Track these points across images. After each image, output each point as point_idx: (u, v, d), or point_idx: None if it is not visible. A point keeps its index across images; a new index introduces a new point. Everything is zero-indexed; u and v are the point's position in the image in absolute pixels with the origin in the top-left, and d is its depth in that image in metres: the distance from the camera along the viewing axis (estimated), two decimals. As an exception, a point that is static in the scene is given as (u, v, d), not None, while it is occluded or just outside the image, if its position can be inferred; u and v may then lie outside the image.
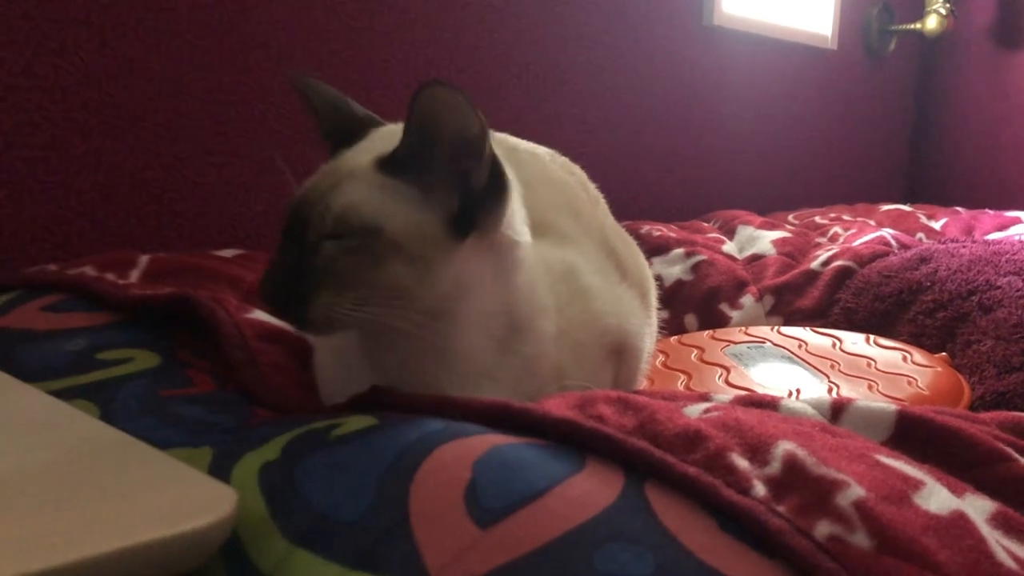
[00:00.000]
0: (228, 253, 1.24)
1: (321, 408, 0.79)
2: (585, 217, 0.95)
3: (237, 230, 1.44)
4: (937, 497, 0.62)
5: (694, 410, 0.73)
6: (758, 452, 0.61)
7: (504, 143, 0.98)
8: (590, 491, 0.55)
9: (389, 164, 0.72)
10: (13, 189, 1.22)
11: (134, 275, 1.04)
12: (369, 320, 0.70)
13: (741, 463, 0.59)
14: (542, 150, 1.04)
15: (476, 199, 0.72)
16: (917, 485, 0.63)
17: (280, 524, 0.56)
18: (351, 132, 0.79)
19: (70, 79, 1.25)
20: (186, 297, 0.90)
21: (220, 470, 0.62)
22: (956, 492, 0.65)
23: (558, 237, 0.89)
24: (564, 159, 1.07)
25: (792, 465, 0.59)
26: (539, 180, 0.94)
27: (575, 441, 0.62)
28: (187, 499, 0.53)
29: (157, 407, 0.75)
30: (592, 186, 1.08)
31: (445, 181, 0.72)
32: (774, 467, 0.59)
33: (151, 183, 1.34)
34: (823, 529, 0.55)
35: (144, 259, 1.07)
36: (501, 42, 1.79)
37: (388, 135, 0.78)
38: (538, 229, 0.86)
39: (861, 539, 0.54)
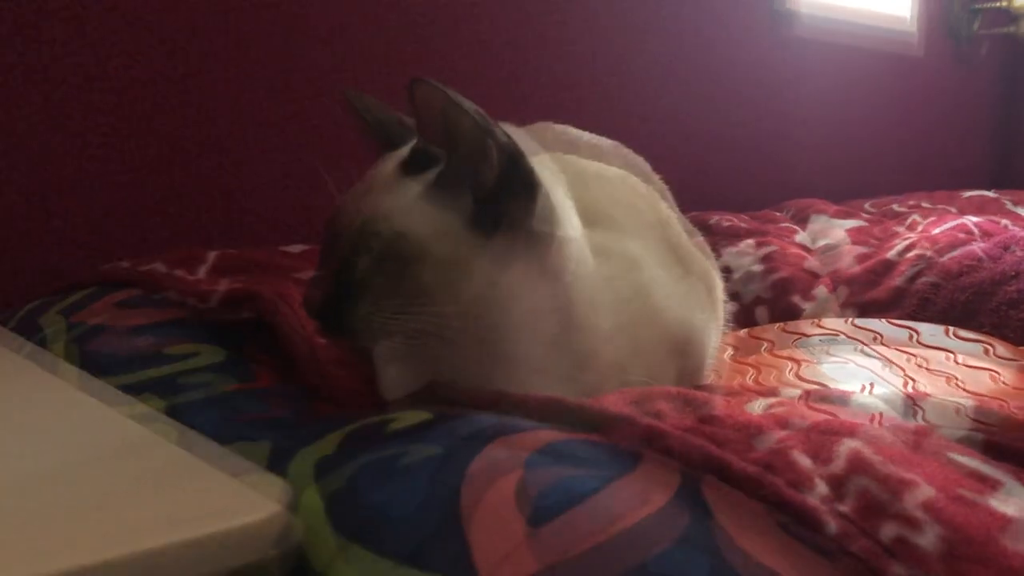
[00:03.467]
0: (295, 249, 1.26)
1: (380, 402, 0.79)
2: (647, 210, 0.94)
3: (304, 226, 1.46)
4: (1017, 498, 0.59)
5: (758, 406, 0.71)
6: (822, 450, 0.59)
7: (563, 136, 0.97)
8: (644, 490, 0.54)
9: (410, 166, 0.72)
10: (91, 188, 1.25)
11: (202, 271, 1.06)
12: (410, 327, 0.70)
13: (803, 461, 0.57)
14: (606, 142, 1.03)
15: (490, 196, 0.71)
16: (994, 485, 0.60)
17: (334, 519, 0.56)
18: (403, 142, 0.79)
19: (142, 81, 1.28)
20: (251, 293, 0.92)
21: (278, 464, 0.63)
22: (1038, 492, 0.62)
23: (618, 231, 0.88)
24: (627, 151, 1.05)
25: (857, 464, 0.57)
26: (599, 174, 0.93)
27: (631, 438, 0.60)
28: (241, 495, 0.54)
29: (220, 401, 0.77)
30: (656, 178, 1.06)
31: (462, 179, 0.71)
32: (838, 465, 0.57)
33: (219, 180, 1.37)
34: (889, 531, 0.53)
35: (212, 255, 1.09)
36: (565, 35, 1.78)
37: None
38: (598, 223, 0.85)
39: (930, 541, 0.52)
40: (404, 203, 0.71)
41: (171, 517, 0.50)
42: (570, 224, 0.78)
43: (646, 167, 1.05)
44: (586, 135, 1.01)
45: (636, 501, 0.53)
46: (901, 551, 0.52)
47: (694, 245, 1.00)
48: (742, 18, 2.12)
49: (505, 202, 0.72)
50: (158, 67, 1.29)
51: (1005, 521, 0.56)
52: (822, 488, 0.55)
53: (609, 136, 1.06)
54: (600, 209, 0.87)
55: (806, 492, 0.55)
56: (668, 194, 1.06)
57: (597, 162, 0.98)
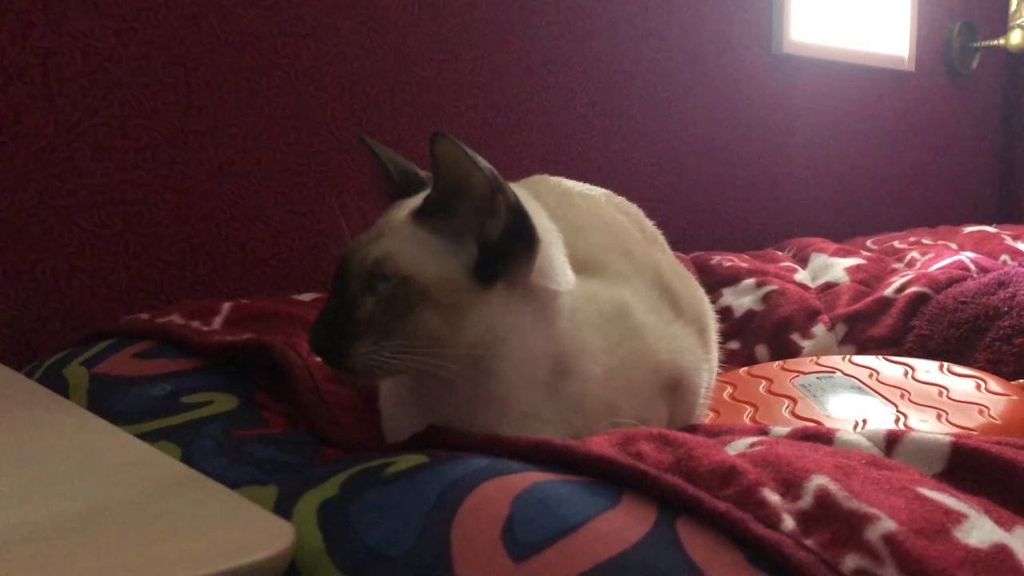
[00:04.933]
0: (307, 297, 1.31)
1: (384, 446, 0.83)
2: (638, 256, 0.98)
3: (317, 274, 1.52)
4: (979, 530, 0.62)
5: (739, 445, 0.75)
6: (791, 487, 0.63)
7: (557, 188, 1.02)
8: (622, 526, 0.58)
9: (421, 215, 0.77)
10: (110, 242, 1.31)
11: (217, 322, 1.10)
12: (409, 368, 0.74)
13: (772, 498, 0.61)
14: (597, 191, 1.07)
15: (494, 249, 0.76)
16: (959, 518, 0.63)
17: (335, 558, 0.60)
18: (415, 191, 0.84)
19: (160, 139, 1.35)
20: (262, 343, 0.97)
21: (284, 507, 0.67)
22: (1004, 525, 0.65)
23: (610, 277, 0.92)
24: (620, 199, 1.10)
25: (823, 499, 0.61)
26: (592, 222, 0.97)
27: (613, 477, 0.64)
28: (248, 535, 0.58)
29: (232, 447, 0.81)
30: (649, 224, 1.10)
31: (468, 231, 0.76)
32: (806, 501, 0.61)
33: (235, 233, 1.43)
34: (851, 563, 0.56)
35: (226, 306, 1.14)
36: (567, 80, 1.84)
37: None
38: (590, 270, 0.90)
39: (890, 573, 0.56)
40: (412, 249, 0.75)
41: (184, 556, 0.54)
42: (565, 278, 0.82)
43: (638, 214, 1.09)
44: (579, 186, 1.06)
45: (614, 536, 0.57)
46: (863, 582, 0.55)
47: (685, 288, 1.04)
48: (741, 62, 2.17)
49: (507, 255, 0.76)
50: (173, 126, 1.36)
51: (966, 552, 0.59)
52: (789, 523, 0.59)
53: (615, 181, 1.11)
54: (592, 256, 0.91)
55: (773, 527, 0.58)
56: (660, 239, 1.10)
57: (590, 208, 1.03)
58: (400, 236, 0.76)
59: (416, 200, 0.80)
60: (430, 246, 0.75)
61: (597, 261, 0.92)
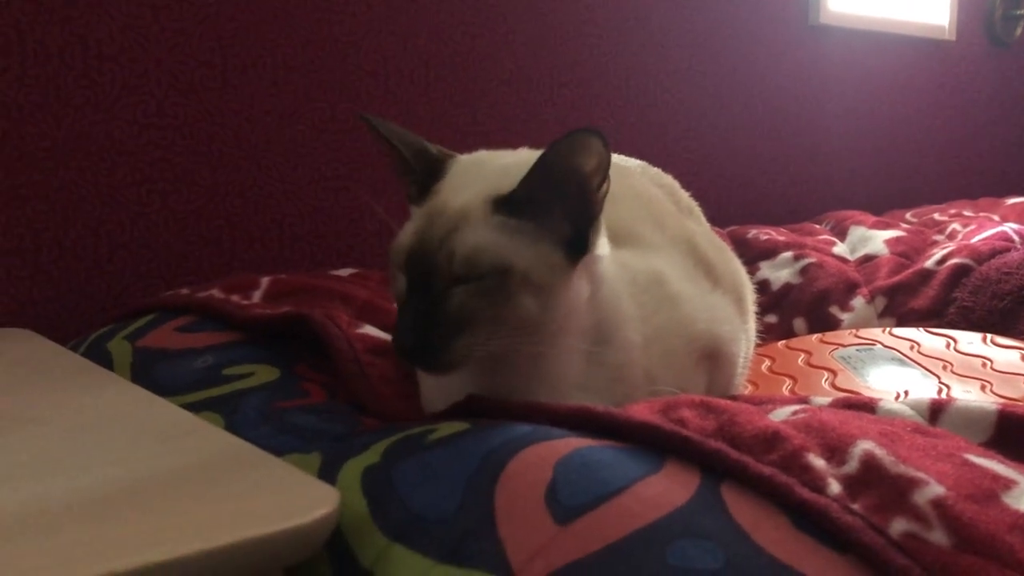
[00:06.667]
0: (344, 272, 1.32)
1: (423, 415, 0.84)
2: (672, 227, 0.97)
3: (353, 250, 1.52)
4: (1029, 496, 0.62)
5: (782, 413, 0.74)
6: (836, 452, 0.62)
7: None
8: (665, 490, 0.58)
9: (506, 204, 0.75)
10: (150, 220, 1.32)
11: (256, 296, 1.11)
12: (497, 351, 0.74)
13: (818, 463, 0.61)
14: (632, 163, 1.07)
15: (582, 229, 0.76)
16: (1008, 484, 0.62)
17: (379, 522, 0.61)
18: (431, 169, 0.82)
19: (197, 116, 1.36)
20: (302, 315, 0.97)
21: (328, 473, 0.68)
22: (1053, 492, 0.64)
23: (644, 248, 0.91)
24: (655, 171, 1.09)
25: (870, 464, 0.60)
26: (626, 193, 0.96)
27: (656, 443, 0.64)
28: (295, 499, 0.59)
29: (274, 417, 0.82)
30: (684, 195, 1.09)
31: (562, 211, 0.75)
32: (851, 466, 0.61)
33: (272, 209, 1.44)
34: (898, 526, 0.55)
35: (265, 280, 1.15)
36: (601, 55, 1.82)
37: (474, 168, 0.81)
38: (624, 240, 0.89)
39: (939, 536, 0.55)
40: (503, 239, 0.73)
41: (235, 519, 0.55)
42: (604, 244, 0.82)
43: (673, 185, 1.09)
44: (612, 156, 1.05)
45: (658, 500, 0.57)
46: (910, 545, 0.54)
47: (721, 259, 1.03)
48: (778, 34, 2.14)
49: (591, 233, 0.77)
50: (210, 103, 1.37)
51: (1016, 517, 0.58)
52: (835, 487, 0.58)
53: (651, 155, 1.10)
54: (624, 227, 0.91)
55: (819, 491, 0.58)
56: (696, 210, 1.10)
57: (624, 179, 1.02)
58: (486, 226, 0.74)
59: (466, 180, 0.78)
60: (522, 233, 0.74)
61: (629, 231, 0.92)
